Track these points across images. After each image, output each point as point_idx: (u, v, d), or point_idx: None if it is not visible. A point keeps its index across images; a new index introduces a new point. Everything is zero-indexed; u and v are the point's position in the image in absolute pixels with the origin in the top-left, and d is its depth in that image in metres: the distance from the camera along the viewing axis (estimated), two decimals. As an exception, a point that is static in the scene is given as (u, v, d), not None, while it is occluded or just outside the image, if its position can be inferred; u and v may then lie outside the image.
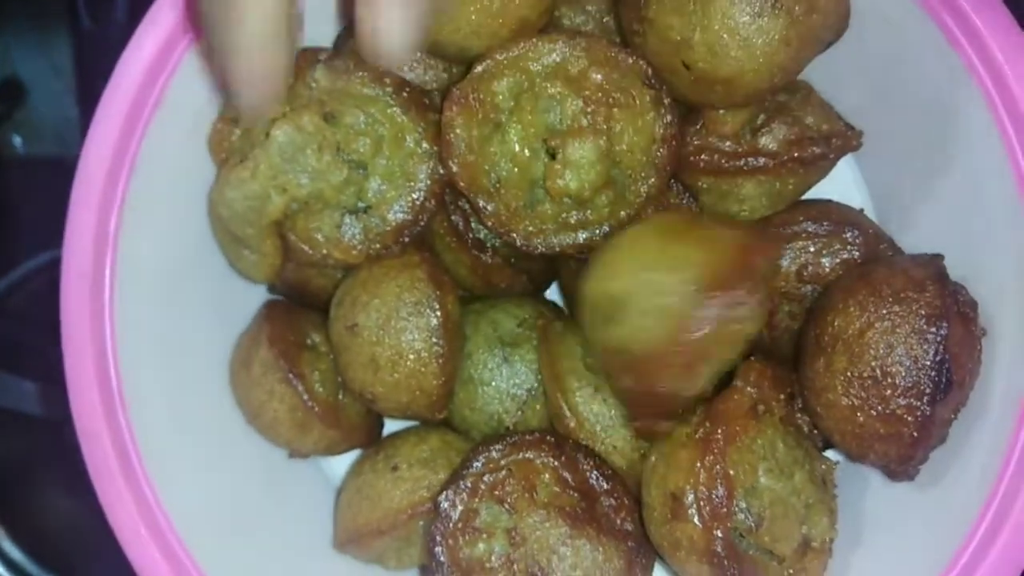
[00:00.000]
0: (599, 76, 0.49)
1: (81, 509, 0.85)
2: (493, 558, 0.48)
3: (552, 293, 0.62)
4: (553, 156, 0.50)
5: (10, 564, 0.83)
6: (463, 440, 0.56)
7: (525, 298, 0.59)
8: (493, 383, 0.56)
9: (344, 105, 0.51)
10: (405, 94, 0.52)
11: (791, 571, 0.47)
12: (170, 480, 0.51)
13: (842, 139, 0.52)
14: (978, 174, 0.50)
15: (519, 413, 0.56)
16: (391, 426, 0.60)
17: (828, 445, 0.53)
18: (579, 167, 0.49)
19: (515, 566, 0.48)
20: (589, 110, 0.49)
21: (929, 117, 0.52)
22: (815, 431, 0.52)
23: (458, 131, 0.50)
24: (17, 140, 0.86)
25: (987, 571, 0.46)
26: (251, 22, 0.37)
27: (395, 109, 0.52)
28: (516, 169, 0.50)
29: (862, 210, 0.56)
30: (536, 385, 0.55)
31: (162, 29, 0.50)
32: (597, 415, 0.53)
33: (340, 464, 0.61)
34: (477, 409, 0.56)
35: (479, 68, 0.50)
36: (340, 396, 0.56)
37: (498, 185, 0.51)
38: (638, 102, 0.50)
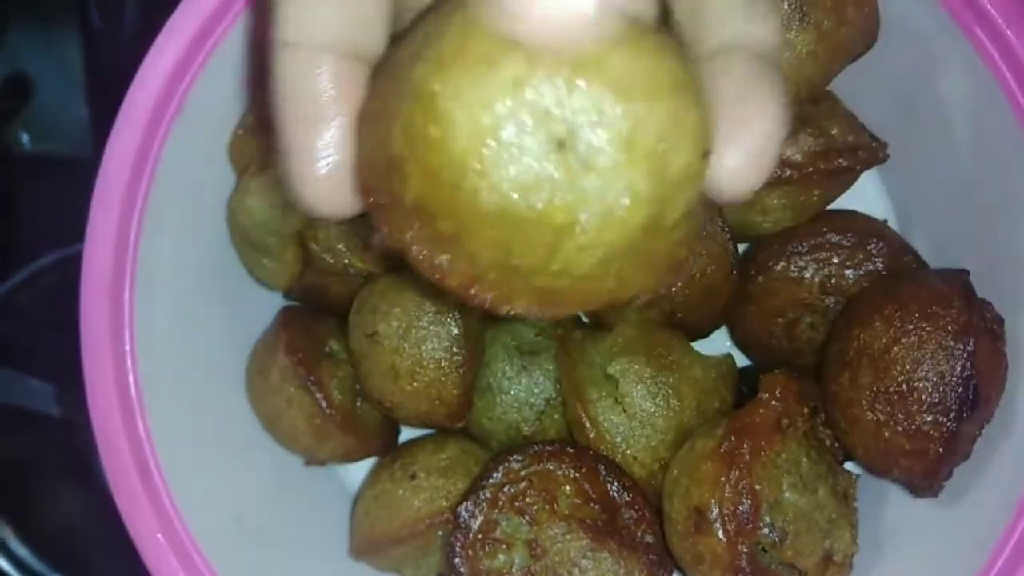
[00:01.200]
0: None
1: (89, 508, 0.85)
2: (514, 570, 0.48)
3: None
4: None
5: (17, 563, 0.83)
6: (481, 449, 0.56)
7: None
8: (511, 392, 0.55)
9: (366, 112, 0.51)
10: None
11: (813, 586, 0.47)
12: (187, 486, 0.51)
13: (868, 151, 0.52)
14: (1005, 188, 0.50)
15: (537, 422, 0.55)
16: (407, 433, 0.60)
17: (848, 458, 0.53)
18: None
19: (536, 579, 0.48)
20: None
21: (956, 130, 0.52)
22: (836, 445, 0.52)
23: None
24: (25, 137, 0.86)
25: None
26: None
27: (417, 117, 0.51)
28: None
29: (886, 222, 0.56)
30: (554, 394, 0.55)
31: (183, 36, 0.49)
32: (617, 425, 0.52)
33: (357, 472, 0.61)
34: (495, 418, 0.56)
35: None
36: (358, 403, 0.56)
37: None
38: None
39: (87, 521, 0.85)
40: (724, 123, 0.28)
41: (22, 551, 0.83)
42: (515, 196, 0.26)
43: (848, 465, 0.53)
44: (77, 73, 0.86)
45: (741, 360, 0.60)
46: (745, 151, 0.29)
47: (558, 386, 0.55)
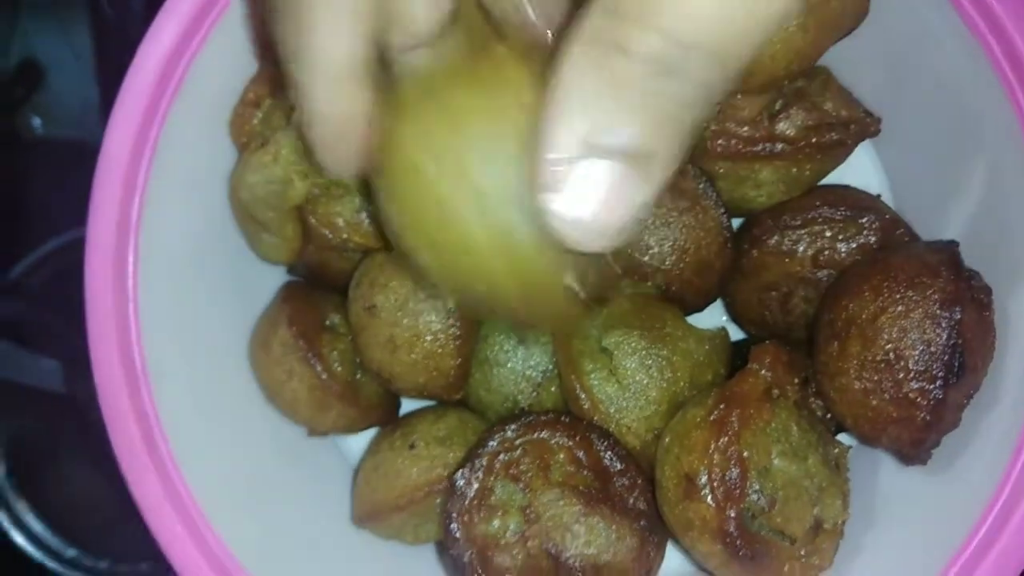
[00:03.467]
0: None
1: (102, 484, 0.86)
2: (508, 534, 0.49)
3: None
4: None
5: (33, 538, 0.85)
6: (480, 420, 0.57)
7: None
8: (508, 365, 0.56)
9: (364, 89, 0.52)
10: (425, 78, 0.52)
11: (803, 552, 0.48)
12: (192, 456, 0.52)
13: (860, 125, 0.52)
14: (997, 161, 0.50)
15: (534, 394, 0.56)
16: (408, 405, 0.61)
17: (840, 429, 0.54)
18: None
19: (529, 543, 0.49)
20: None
21: (949, 104, 0.52)
22: (828, 416, 0.53)
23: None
24: (36, 122, 0.87)
25: (998, 555, 0.46)
26: (322, 63, 0.30)
27: (414, 94, 0.52)
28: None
29: (879, 196, 0.57)
30: (551, 367, 0.56)
31: (183, 13, 0.50)
32: (611, 396, 0.53)
33: (358, 442, 0.62)
34: (493, 390, 0.57)
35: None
36: (358, 375, 0.57)
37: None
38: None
39: (100, 497, 0.87)
40: None
41: (37, 527, 0.85)
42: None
43: (841, 437, 0.54)
44: (88, 59, 0.87)
45: (737, 335, 0.60)
46: None
47: (554, 359, 0.56)
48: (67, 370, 0.85)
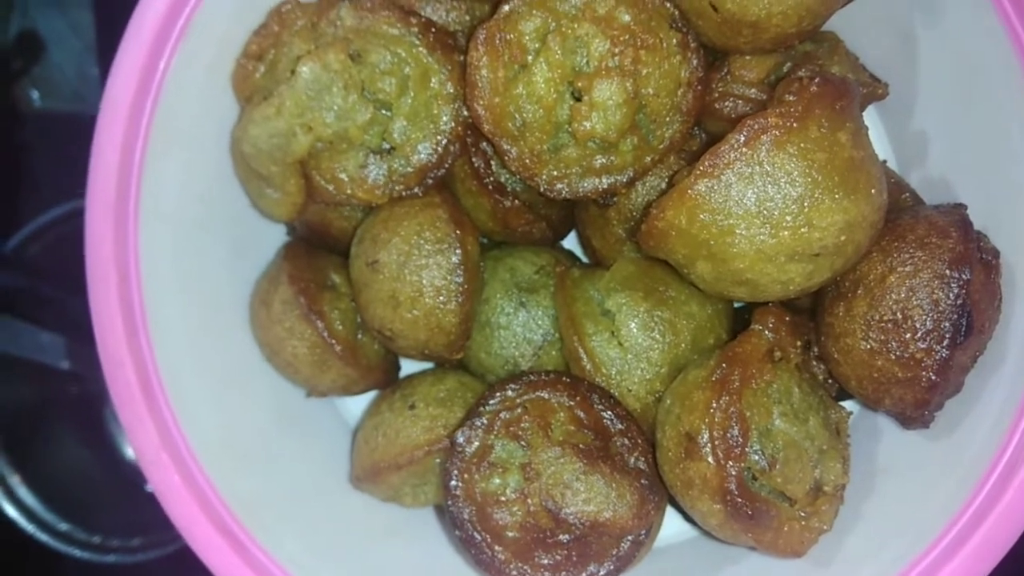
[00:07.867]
0: (627, 17, 0.49)
1: (96, 459, 0.86)
2: (508, 491, 0.49)
3: (570, 243, 0.62)
4: (579, 99, 0.49)
5: (25, 510, 0.84)
6: (479, 382, 0.57)
7: (543, 247, 0.59)
8: (510, 327, 0.56)
9: (370, 44, 0.51)
10: (431, 34, 0.51)
11: (802, 513, 0.48)
12: (190, 410, 0.51)
13: (868, 89, 0.52)
14: (1004, 128, 0.50)
15: (535, 357, 0.56)
16: (408, 370, 0.61)
17: (841, 396, 0.53)
18: (605, 109, 0.49)
19: (529, 500, 0.48)
20: (616, 51, 0.49)
21: (956, 71, 0.52)
22: (830, 381, 0.52)
23: (484, 72, 0.50)
24: (35, 95, 0.87)
25: (996, 520, 0.46)
26: None
27: (421, 49, 0.52)
28: (541, 112, 0.50)
29: (885, 162, 0.56)
30: (552, 331, 0.56)
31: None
32: (613, 359, 0.53)
33: (357, 405, 0.62)
34: (493, 353, 0.56)
35: (506, 8, 0.49)
36: (359, 336, 0.57)
37: (523, 128, 0.50)
38: (665, 45, 0.49)
39: (94, 472, 0.86)
40: None
41: (30, 499, 0.85)
42: None
43: (843, 406, 0.54)
44: (88, 33, 0.86)
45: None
46: None
47: (556, 323, 0.55)
48: (63, 343, 0.85)
